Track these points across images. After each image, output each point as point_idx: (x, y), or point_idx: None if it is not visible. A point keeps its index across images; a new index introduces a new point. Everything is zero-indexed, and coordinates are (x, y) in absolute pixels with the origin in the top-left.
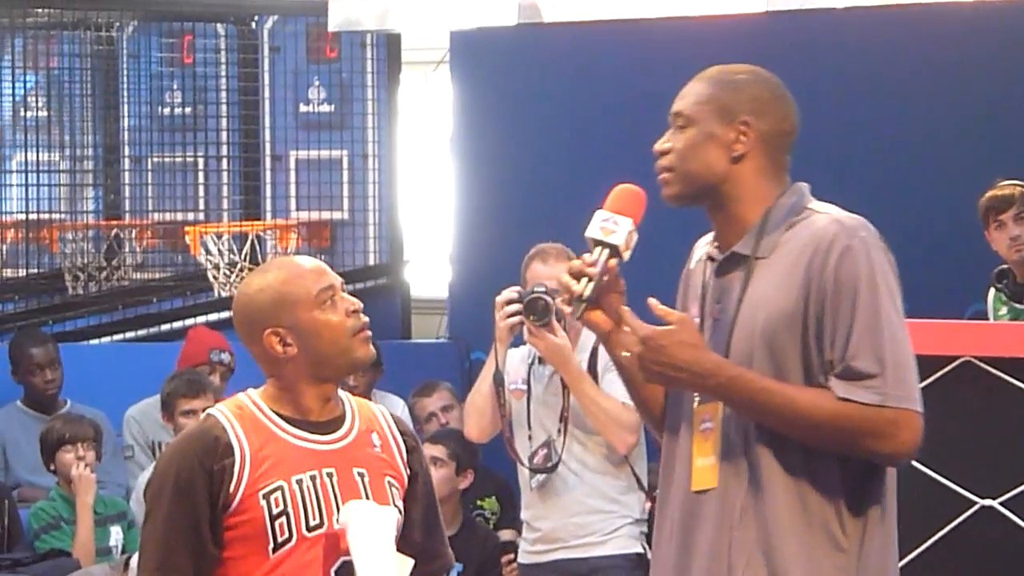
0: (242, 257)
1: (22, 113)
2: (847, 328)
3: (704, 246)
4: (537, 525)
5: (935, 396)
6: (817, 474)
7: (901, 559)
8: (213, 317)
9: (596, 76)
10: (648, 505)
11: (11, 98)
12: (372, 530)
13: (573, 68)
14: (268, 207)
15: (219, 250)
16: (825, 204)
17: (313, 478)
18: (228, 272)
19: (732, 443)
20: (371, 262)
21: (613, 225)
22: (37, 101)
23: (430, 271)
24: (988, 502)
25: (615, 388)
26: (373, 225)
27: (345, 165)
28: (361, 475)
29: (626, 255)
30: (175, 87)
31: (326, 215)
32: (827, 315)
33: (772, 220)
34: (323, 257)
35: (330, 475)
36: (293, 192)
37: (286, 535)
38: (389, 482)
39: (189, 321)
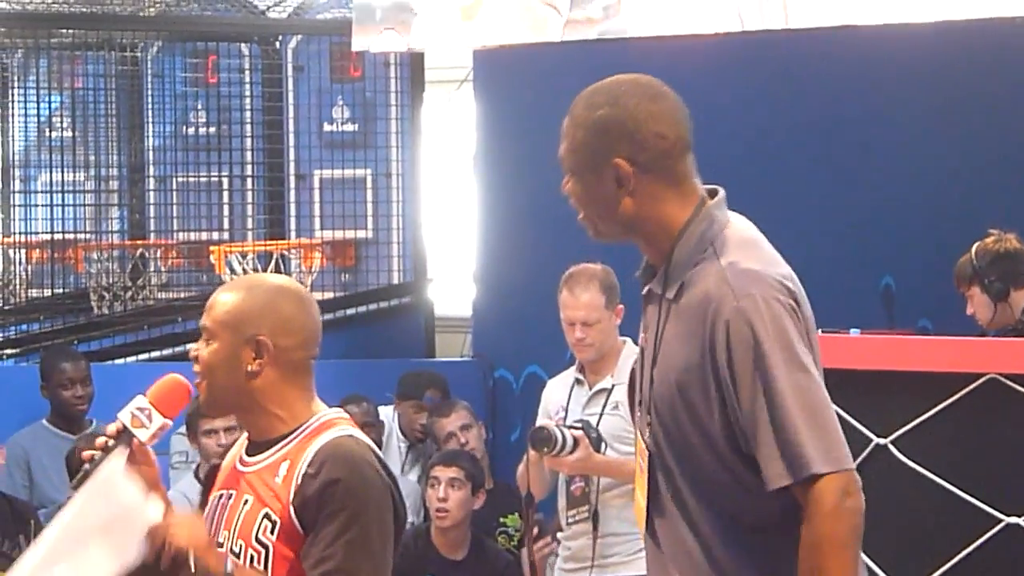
0: None
1: (47, 133)
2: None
3: None
4: (568, 544)
5: (960, 413)
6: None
7: None
8: None
9: None
10: None
11: (36, 118)
12: None
13: None
14: (292, 226)
15: (244, 269)
16: (733, 236)
17: (219, 496)
18: None
19: (658, 494)
20: (395, 280)
21: (147, 420)
22: (62, 121)
23: (454, 289)
24: (1014, 520)
25: None
26: (397, 244)
27: (369, 184)
28: (245, 502)
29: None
30: (199, 107)
31: (350, 234)
32: (726, 387)
33: (678, 258)
34: (347, 276)
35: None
36: (317, 211)
37: None
38: (266, 514)
39: None
